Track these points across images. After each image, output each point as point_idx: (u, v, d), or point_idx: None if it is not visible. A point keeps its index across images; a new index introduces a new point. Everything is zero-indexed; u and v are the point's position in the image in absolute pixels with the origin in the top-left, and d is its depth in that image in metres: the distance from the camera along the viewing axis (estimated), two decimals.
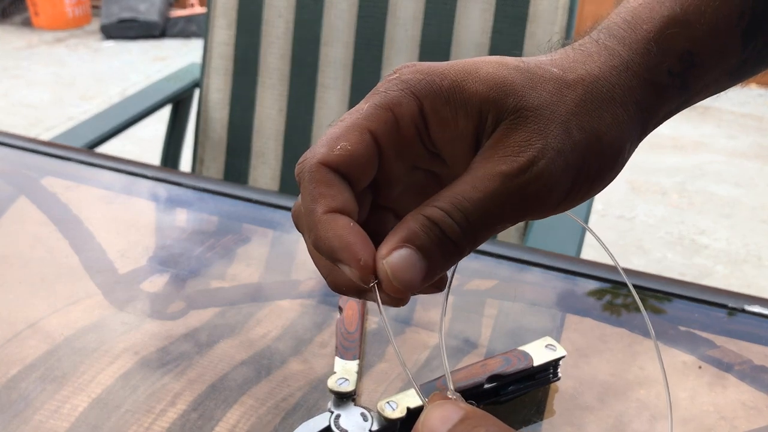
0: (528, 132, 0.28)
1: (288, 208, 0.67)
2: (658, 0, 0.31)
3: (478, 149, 0.29)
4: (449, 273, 0.31)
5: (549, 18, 1.06)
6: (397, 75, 0.30)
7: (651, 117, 0.31)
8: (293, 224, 0.31)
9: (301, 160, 0.30)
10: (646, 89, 0.30)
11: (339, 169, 0.29)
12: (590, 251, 1.04)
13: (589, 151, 0.29)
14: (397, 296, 0.28)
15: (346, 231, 0.27)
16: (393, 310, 0.55)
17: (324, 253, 0.28)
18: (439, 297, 0.41)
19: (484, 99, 0.29)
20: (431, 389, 0.43)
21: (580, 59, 0.30)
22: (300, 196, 0.30)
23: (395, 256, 0.27)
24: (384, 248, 0.27)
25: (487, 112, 0.29)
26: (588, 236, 0.95)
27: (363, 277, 0.27)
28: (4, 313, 0.53)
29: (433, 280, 0.28)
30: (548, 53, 0.32)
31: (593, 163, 0.29)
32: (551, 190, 0.28)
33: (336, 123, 0.30)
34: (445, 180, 0.31)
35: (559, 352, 0.47)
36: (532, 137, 0.28)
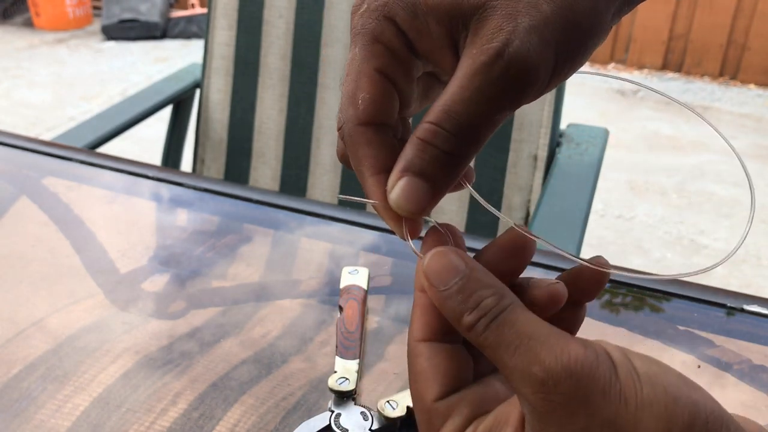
0: (497, 19, 0.28)
1: (288, 208, 0.67)
2: None
3: (459, 51, 0.30)
4: None
5: None
6: (365, 5, 0.31)
7: None
8: (295, 220, 0.32)
9: (338, 125, 0.32)
10: None
11: (370, 121, 0.30)
12: (590, 251, 1.04)
13: (565, 22, 0.28)
14: (413, 219, 0.30)
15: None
16: (393, 309, 0.55)
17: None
18: None
19: (448, 2, 0.29)
20: None
21: None
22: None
23: (395, 190, 0.28)
24: (389, 182, 0.29)
25: (456, 14, 0.29)
26: (587, 236, 0.95)
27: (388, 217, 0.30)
28: (5, 312, 0.54)
29: (443, 194, 0.29)
30: None
31: (572, 34, 0.29)
32: (535, 68, 0.28)
33: (344, 79, 0.31)
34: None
35: None
36: (502, 22, 0.28)
